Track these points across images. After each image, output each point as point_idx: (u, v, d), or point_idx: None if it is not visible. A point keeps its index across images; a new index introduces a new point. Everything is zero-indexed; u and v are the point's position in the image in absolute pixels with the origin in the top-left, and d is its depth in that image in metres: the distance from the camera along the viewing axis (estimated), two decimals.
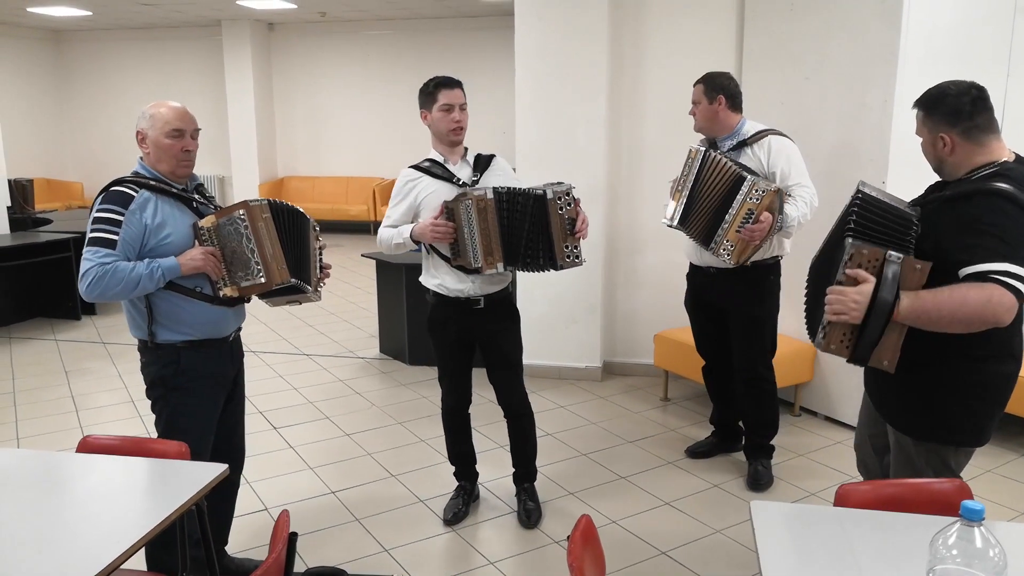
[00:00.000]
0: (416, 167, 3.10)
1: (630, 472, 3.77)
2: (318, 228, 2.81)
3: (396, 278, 5.42)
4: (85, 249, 2.41)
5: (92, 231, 2.42)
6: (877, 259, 2.00)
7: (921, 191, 2.34)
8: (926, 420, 2.21)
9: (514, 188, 2.96)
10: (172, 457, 2.21)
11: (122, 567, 1.77)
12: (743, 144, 3.39)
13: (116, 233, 2.40)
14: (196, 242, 2.53)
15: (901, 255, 2.00)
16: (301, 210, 2.72)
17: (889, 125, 3.80)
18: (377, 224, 11.08)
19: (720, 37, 4.71)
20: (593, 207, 4.79)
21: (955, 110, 2.12)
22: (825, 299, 2.08)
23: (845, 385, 4.21)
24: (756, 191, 3.09)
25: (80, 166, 12.53)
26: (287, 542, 1.79)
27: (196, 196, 2.61)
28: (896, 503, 1.92)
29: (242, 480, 3.66)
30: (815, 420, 4.34)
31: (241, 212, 2.50)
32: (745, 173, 3.16)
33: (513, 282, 3.31)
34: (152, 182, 2.50)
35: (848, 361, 2.12)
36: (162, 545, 2.45)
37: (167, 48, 11.70)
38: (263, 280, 2.52)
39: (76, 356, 5.67)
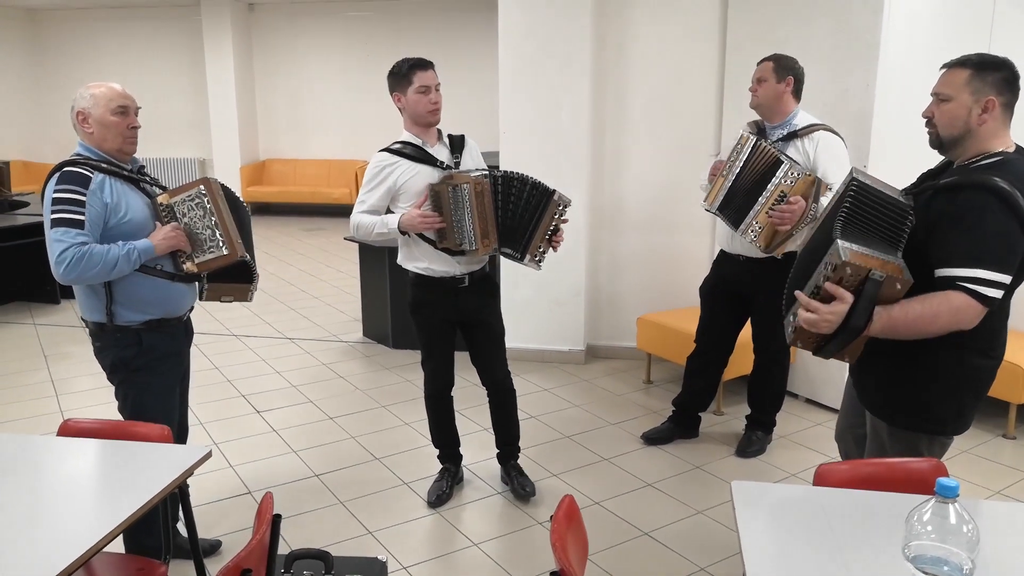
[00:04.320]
0: (390, 151, 3.06)
1: (613, 454, 3.80)
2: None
3: (379, 262, 5.40)
4: (52, 230, 2.38)
5: (55, 212, 2.39)
6: (860, 276, 1.90)
7: (901, 176, 2.34)
8: (907, 408, 2.19)
9: (511, 173, 3.03)
10: (154, 440, 2.20)
11: (104, 550, 1.77)
12: (793, 135, 3.34)
13: (82, 214, 2.39)
14: (157, 221, 2.56)
15: (884, 274, 1.90)
16: (242, 200, 2.81)
17: (871, 109, 3.82)
18: None
19: (705, 19, 4.70)
20: (577, 188, 4.78)
21: (1009, 80, 2.00)
22: (795, 309, 2.03)
23: (826, 368, 4.25)
24: (792, 174, 3.09)
25: (57, 148, 12.28)
26: (271, 524, 1.80)
27: (144, 177, 2.63)
28: (873, 482, 1.95)
29: (226, 463, 3.68)
30: (796, 402, 4.39)
31: (202, 187, 2.57)
32: (783, 157, 3.14)
33: (493, 260, 3.33)
34: (103, 164, 2.49)
35: (813, 354, 2.12)
36: (144, 529, 2.45)
37: (145, 28, 11.51)
38: (226, 252, 2.58)
39: (55, 340, 5.62)
